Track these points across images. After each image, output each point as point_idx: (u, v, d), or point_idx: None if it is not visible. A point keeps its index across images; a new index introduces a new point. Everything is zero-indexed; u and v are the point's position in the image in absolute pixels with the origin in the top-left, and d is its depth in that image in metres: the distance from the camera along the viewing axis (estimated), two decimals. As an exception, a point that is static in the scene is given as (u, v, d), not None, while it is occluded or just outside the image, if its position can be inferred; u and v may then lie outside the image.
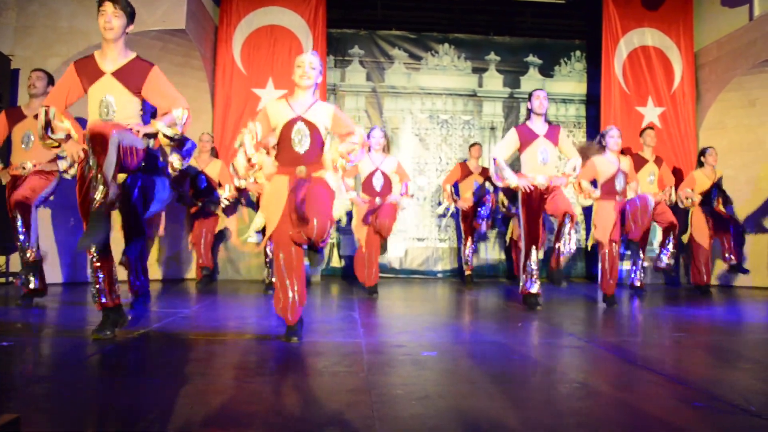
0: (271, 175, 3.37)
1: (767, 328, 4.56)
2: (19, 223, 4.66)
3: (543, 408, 2.24)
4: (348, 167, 3.44)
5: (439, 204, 8.20)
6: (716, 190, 6.65)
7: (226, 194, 6.51)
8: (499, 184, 5.17)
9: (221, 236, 7.23)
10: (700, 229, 6.87)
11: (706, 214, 6.79)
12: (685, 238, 7.25)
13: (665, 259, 6.17)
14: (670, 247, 6.16)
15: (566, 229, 4.96)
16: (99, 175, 2.90)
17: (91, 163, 2.92)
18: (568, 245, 4.97)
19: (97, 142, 2.91)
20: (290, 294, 3.36)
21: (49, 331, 3.81)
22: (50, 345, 3.38)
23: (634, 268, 6.65)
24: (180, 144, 4.85)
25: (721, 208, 6.67)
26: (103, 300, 3.32)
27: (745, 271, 6.74)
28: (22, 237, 4.67)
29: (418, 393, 2.39)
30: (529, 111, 5.18)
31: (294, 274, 3.36)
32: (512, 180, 5.02)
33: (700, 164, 6.95)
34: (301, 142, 3.36)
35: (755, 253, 7.50)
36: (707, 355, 3.43)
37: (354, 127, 3.47)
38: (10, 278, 6.12)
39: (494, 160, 5.12)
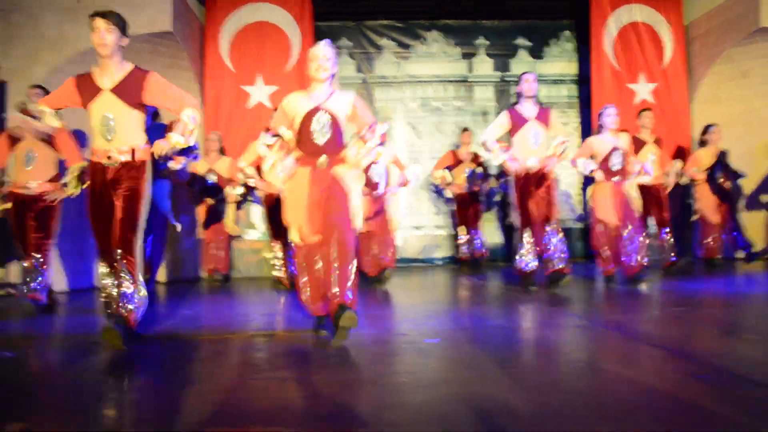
0: (291, 176, 3.35)
1: (765, 299, 4.57)
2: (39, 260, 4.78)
3: (549, 389, 2.24)
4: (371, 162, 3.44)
5: (437, 191, 8.22)
6: (719, 165, 6.62)
7: (239, 191, 6.48)
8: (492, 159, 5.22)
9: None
10: (706, 203, 6.78)
11: (712, 190, 6.71)
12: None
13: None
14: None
15: (553, 239, 5.01)
16: None
17: None
18: (559, 258, 5.01)
19: None
20: (308, 287, 3.36)
21: (53, 339, 3.81)
22: (54, 353, 3.38)
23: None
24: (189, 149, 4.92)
25: (728, 183, 6.66)
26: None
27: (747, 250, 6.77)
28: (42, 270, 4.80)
29: (424, 381, 2.40)
30: (519, 94, 5.18)
31: (312, 268, 3.33)
32: (500, 159, 5.08)
33: (702, 143, 6.89)
34: (322, 133, 3.31)
35: (753, 227, 7.51)
36: (708, 328, 3.44)
37: (373, 119, 3.44)
38: (9, 289, 6.11)
39: (484, 142, 5.18)
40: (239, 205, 6.82)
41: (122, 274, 3.27)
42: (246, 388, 2.38)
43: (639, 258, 5.33)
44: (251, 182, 5.80)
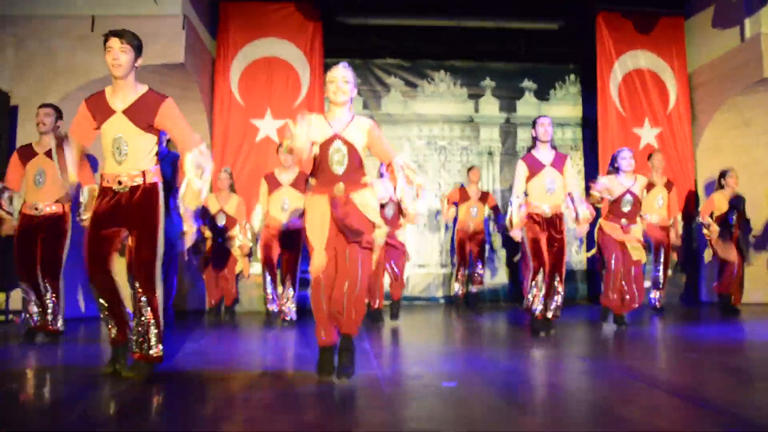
0: (311, 197, 3.27)
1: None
2: (48, 287, 4.72)
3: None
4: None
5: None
6: (733, 212, 6.60)
7: (241, 239, 6.34)
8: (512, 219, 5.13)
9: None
10: (722, 245, 6.63)
11: (722, 236, 6.62)
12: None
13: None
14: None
15: (555, 293, 4.96)
16: None
17: None
18: (554, 305, 4.97)
19: None
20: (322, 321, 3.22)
21: (59, 369, 3.73)
22: (58, 385, 3.29)
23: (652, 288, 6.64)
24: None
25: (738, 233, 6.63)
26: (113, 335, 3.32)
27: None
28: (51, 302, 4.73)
29: (450, 427, 2.35)
30: (535, 139, 5.16)
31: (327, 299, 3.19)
32: (515, 232, 5.03)
33: (720, 186, 6.87)
34: (340, 162, 3.19)
35: (759, 272, 7.51)
36: (725, 376, 3.41)
37: (392, 153, 3.31)
38: (10, 316, 6.03)
39: (513, 202, 5.04)
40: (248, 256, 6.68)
41: (141, 312, 3.21)
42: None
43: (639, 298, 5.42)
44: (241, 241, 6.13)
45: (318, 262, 3.17)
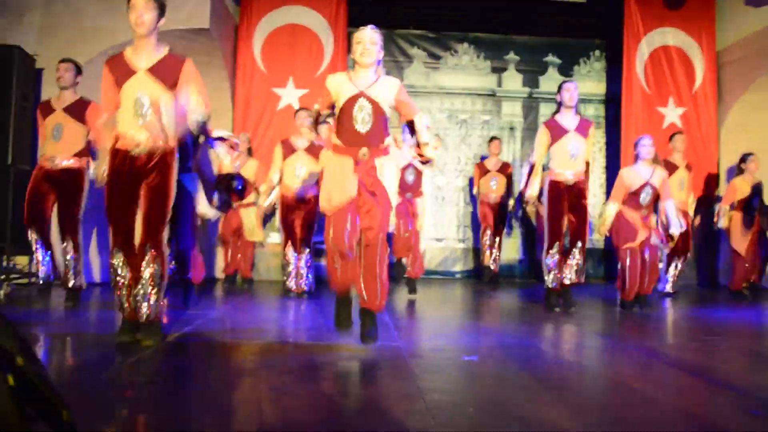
0: (331, 156, 3.19)
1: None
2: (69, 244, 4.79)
3: (601, 415, 2.23)
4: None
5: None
6: (757, 198, 6.54)
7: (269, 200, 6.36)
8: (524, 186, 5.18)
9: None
10: (737, 235, 6.63)
11: (745, 223, 6.57)
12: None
13: (668, 287, 6.52)
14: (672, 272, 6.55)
15: (574, 259, 4.95)
16: None
17: None
18: (572, 273, 4.97)
19: None
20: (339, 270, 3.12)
21: (78, 335, 3.79)
22: (77, 352, 3.33)
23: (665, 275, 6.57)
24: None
25: (765, 220, 6.56)
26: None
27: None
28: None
29: (472, 400, 2.39)
30: (559, 104, 5.10)
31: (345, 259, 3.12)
32: (532, 190, 5.09)
33: (740, 171, 6.81)
34: (364, 121, 3.09)
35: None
36: (745, 359, 3.42)
37: (417, 110, 3.24)
38: (33, 278, 6.13)
39: (531, 165, 5.11)
40: (269, 217, 6.69)
41: (150, 269, 3.21)
42: (288, 401, 2.35)
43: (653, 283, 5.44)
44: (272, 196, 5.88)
45: (334, 228, 3.08)
